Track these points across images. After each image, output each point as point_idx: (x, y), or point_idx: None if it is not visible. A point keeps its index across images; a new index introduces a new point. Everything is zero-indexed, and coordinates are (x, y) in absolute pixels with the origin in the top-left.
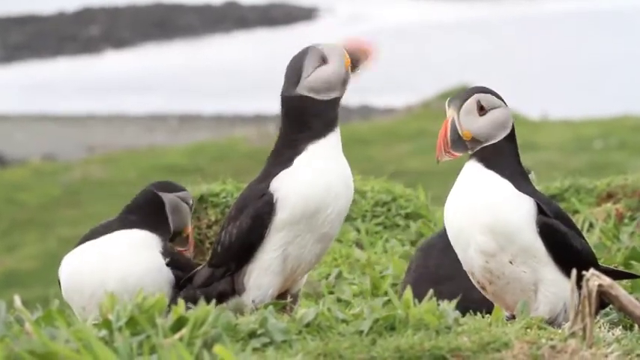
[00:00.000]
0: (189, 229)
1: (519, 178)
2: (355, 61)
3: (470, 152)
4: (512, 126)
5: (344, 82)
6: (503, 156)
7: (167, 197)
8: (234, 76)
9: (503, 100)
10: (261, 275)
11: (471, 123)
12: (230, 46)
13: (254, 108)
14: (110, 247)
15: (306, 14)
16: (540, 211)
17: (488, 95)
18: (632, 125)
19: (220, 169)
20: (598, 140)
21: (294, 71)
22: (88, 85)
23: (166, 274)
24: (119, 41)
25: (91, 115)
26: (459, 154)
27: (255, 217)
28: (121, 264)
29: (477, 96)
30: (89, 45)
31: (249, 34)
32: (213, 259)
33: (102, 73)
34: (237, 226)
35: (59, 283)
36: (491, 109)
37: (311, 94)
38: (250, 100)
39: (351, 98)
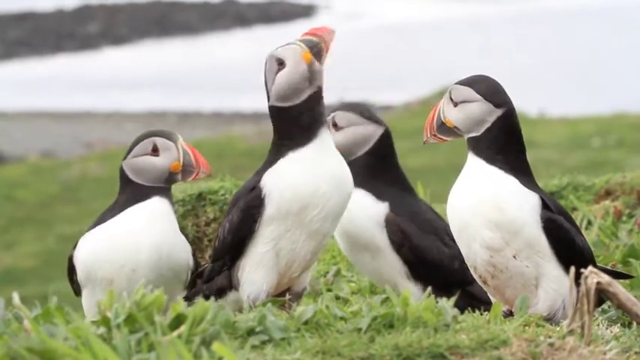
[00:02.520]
0: (179, 161)
1: (522, 173)
2: (318, 52)
3: (465, 139)
4: (509, 119)
5: (309, 77)
6: (501, 150)
7: (125, 164)
8: (233, 73)
9: (502, 94)
10: (254, 270)
11: (448, 112)
12: (229, 44)
13: (252, 105)
14: (136, 218)
15: (305, 11)
16: (544, 206)
17: (464, 88)
18: (629, 123)
19: (219, 166)
20: (596, 138)
21: (265, 84)
22: (86, 82)
23: (185, 243)
24: (118, 38)
25: (89, 112)
26: (447, 139)
27: (245, 210)
28: (153, 231)
29: (451, 87)
30: (88, 42)
31: (247, 31)
32: (212, 254)
33: (100, 70)
34: (230, 220)
35: (69, 264)
36: (462, 102)
37: (280, 103)
38: (249, 98)
39: (349, 95)
